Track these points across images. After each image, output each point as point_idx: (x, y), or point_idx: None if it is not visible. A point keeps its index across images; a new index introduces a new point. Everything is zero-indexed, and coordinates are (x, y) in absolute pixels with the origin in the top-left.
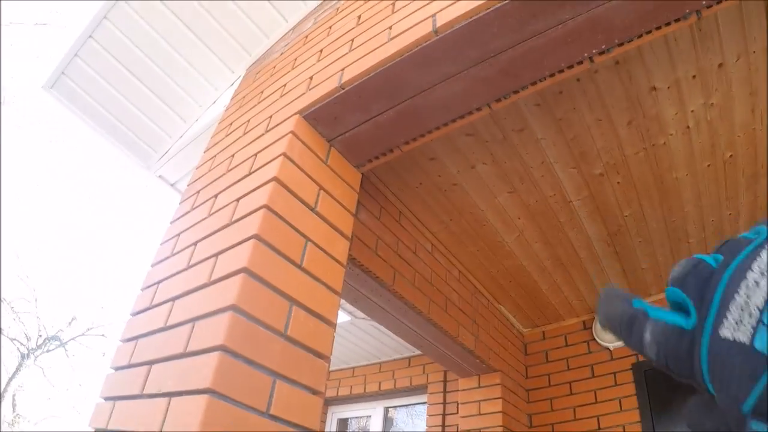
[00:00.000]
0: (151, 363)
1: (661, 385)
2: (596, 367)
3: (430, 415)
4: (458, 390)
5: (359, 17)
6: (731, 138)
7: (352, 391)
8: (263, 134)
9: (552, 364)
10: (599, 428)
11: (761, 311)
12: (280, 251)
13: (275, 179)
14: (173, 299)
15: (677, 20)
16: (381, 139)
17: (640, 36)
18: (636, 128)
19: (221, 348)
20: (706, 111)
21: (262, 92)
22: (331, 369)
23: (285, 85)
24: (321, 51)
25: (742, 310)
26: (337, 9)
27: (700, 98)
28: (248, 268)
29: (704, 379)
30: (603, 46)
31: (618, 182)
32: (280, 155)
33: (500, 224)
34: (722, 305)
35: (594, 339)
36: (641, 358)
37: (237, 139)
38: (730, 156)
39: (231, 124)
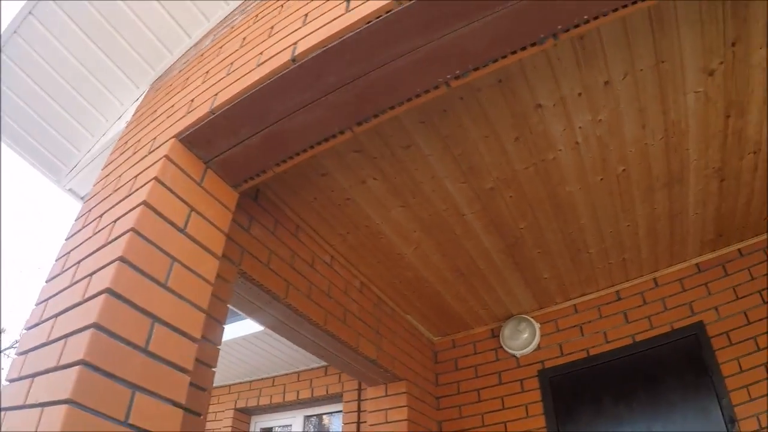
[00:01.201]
0: (34, 376)
1: (566, 391)
2: (503, 374)
3: (345, 423)
4: (366, 399)
5: (244, 39)
6: (623, 153)
7: (272, 401)
8: (146, 156)
9: (461, 371)
10: None
11: None
12: (144, 272)
13: (144, 203)
14: (56, 315)
15: (533, 44)
16: (252, 161)
17: (495, 60)
18: (524, 144)
19: (82, 362)
20: (594, 127)
21: (155, 111)
22: (251, 379)
23: (173, 106)
24: (207, 72)
25: None
26: (232, 27)
27: (588, 115)
28: (111, 289)
29: None
30: (457, 72)
31: (510, 196)
32: (152, 180)
33: (397, 237)
34: None
35: (502, 347)
36: (547, 365)
37: (127, 159)
38: (623, 170)
39: (126, 142)
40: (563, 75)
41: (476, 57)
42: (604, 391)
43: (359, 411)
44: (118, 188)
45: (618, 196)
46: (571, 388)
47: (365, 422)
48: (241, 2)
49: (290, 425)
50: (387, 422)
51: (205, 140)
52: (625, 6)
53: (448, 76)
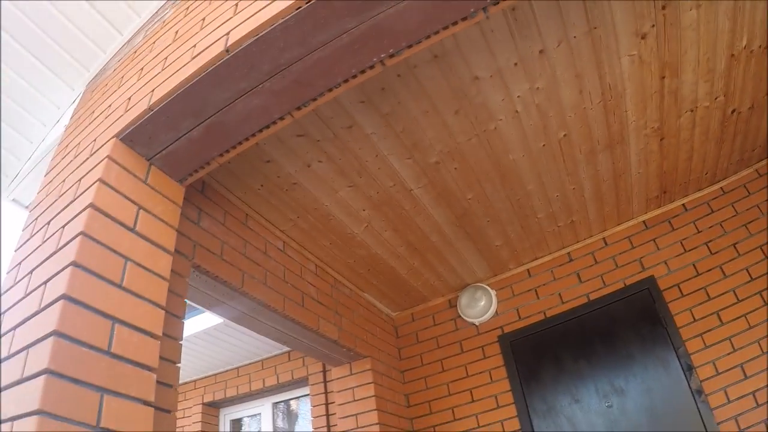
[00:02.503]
0: (1, 390)
1: (527, 353)
2: (464, 342)
3: (314, 406)
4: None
5: (176, 32)
6: (563, 118)
7: (239, 391)
8: (88, 158)
9: (423, 344)
10: (473, 400)
11: None
12: (99, 274)
13: (91, 206)
14: (14, 328)
15: (464, 19)
16: (195, 154)
17: (428, 37)
18: (464, 116)
19: (47, 371)
20: (532, 95)
21: (93, 112)
22: (216, 372)
23: (111, 105)
24: (142, 69)
25: None
26: (164, 22)
27: (525, 84)
28: (67, 294)
29: None
30: (391, 50)
31: (455, 168)
32: (96, 181)
33: (346, 217)
34: None
35: (460, 316)
36: (506, 330)
37: (69, 163)
38: (564, 135)
39: (67, 146)
40: (498, 46)
41: (409, 34)
42: (564, 350)
43: (326, 392)
44: (63, 193)
45: (561, 161)
46: (531, 350)
47: (333, 403)
48: None
49: (259, 414)
50: (355, 400)
51: (146, 137)
52: None
53: (383, 55)
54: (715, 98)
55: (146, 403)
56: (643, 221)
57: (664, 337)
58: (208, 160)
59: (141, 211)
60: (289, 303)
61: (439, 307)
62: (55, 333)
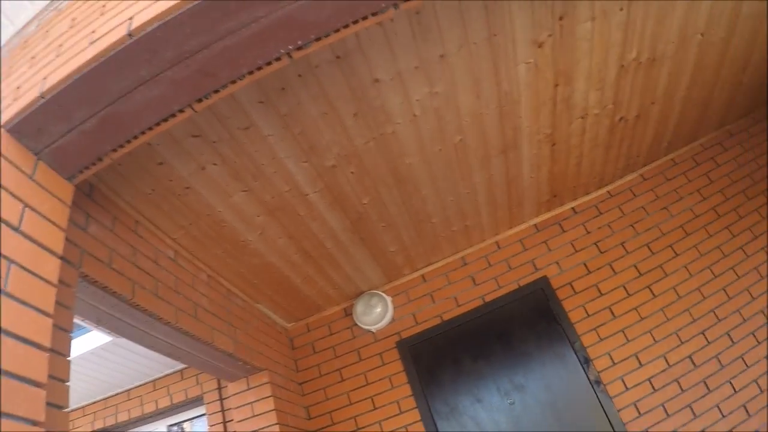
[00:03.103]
0: None
1: (426, 357)
2: (362, 350)
3: (211, 426)
4: (230, 396)
5: (73, 19)
6: (459, 123)
7: (131, 415)
8: None
9: (320, 354)
10: (375, 408)
11: None
12: None
13: None
14: None
15: (374, 14)
16: (87, 148)
17: (337, 30)
18: (363, 119)
19: None
20: (431, 99)
21: None
22: (105, 396)
23: None
24: (33, 57)
25: None
26: (59, 10)
27: (425, 87)
28: None
29: None
30: (299, 42)
31: (352, 172)
32: None
33: (240, 224)
34: None
35: (356, 324)
36: (404, 336)
37: None
38: (460, 140)
39: None
40: (400, 49)
41: (319, 27)
42: (463, 352)
43: (223, 410)
44: None
45: (456, 165)
46: (430, 353)
47: (232, 420)
48: None
49: None
50: (255, 416)
51: (35, 129)
52: None
53: (290, 47)
54: (605, 106)
55: (36, 423)
56: (535, 224)
57: (560, 333)
58: (100, 155)
59: (27, 209)
60: (181, 315)
61: (334, 316)
62: None
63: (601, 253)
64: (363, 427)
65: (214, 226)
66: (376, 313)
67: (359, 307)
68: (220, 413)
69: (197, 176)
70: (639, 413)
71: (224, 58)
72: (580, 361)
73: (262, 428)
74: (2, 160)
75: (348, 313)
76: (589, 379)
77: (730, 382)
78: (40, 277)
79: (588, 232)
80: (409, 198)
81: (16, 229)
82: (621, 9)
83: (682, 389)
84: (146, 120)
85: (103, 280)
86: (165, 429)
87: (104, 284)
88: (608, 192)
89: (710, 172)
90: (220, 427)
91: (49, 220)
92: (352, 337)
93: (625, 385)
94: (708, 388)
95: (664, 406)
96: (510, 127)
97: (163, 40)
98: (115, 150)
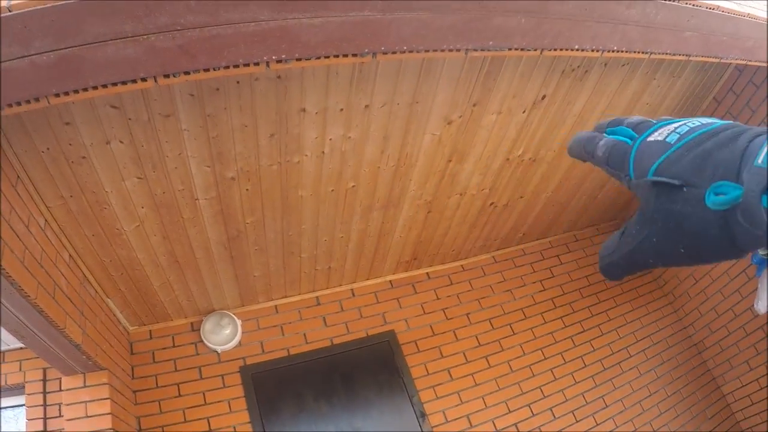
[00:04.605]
0: None
1: (269, 387)
2: (204, 369)
3: (29, 419)
4: (61, 390)
5: None
6: (358, 170)
7: None
8: None
9: (159, 364)
10: (210, 429)
11: (673, 127)
12: None
13: None
14: None
15: (355, 55)
16: (32, 82)
17: (318, 58)
18: (277, 142)
19: None
20: (342, 142)
21: None
22: None
23: None
24: None
25: (661, 132)
26: None
27: (341, 129)
28: None
29: (630, 168)
30: (283, 56)
31: (247, 189)
32: None
33: (122, 210)
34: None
35: (202, 341)
36: (249, 362)
37: None
38: (353, 186)
39: None
40: (335, 89)
41: (305, 48)
42: (306, 389)
43: (45, 404)
44: None
45: (342, 209)
46: (274, 384)
47: (54, 417)
48: None
49: None
50: (88, 416)
51: None
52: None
53: (274, 57)
54: (482, 189)
55: None
56: (390, 281)
57: (401, 386)
58: (41, 95)
59: None
60: (41, 291)
61: (180, 328)
62: None
63: (448, 319)
64: None
65: (95, 205)
66: (224, 335)
67: (208, 325)
68: (42, 407)
69: (99, 149)
70: None
71: (211, 44)
72: (416, 414)
73: (95, 431)
74: None
75: (195, 328)
76: None
77: None
78: None
79: (438, 298)
80: (289, 228)
81: None
82: (523, 111)
83: None
84: (106, 76)
85: None
86: None
87: None
88: (462, 266)
89: (553, 267)
90: (40, 423)
91: None
92: (196, 354)
93: None
94: None
95: None
96: (399, 186)
97: (162, 4)
98: (58, 95)
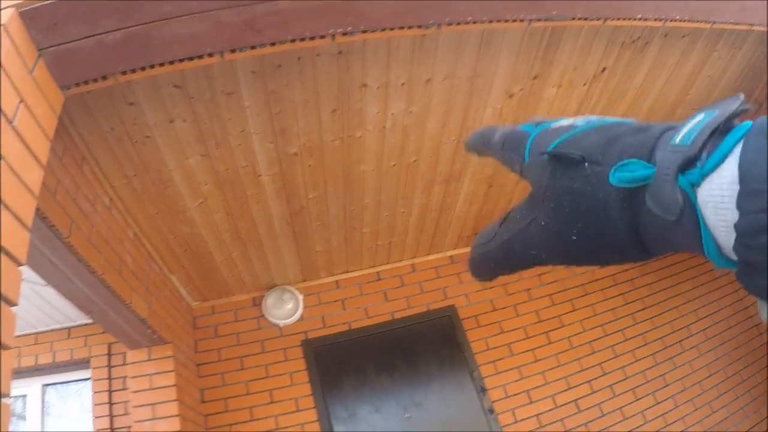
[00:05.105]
0: None
1: (331, 361)
2: (266, 342)
3: (95, 392)
4: (125, 364)
5: None
6: (420, 145)
7: None
8: None
9: (222, 338)
10: (272, 401)
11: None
12: None
13: None
14: None
15: (420, 27)
16: (99, 61)
17: (383, 30)
18: (339, 117)
19: None
20: (404, 116)
21: None
22: None
23: None
24: None
25: (569, 121)
26: None
27: (403, 104)
28: None
29: (525, 151)
30: (349, 28)
31: (309, 164)
32: None
33: (185, 188)
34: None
35: (264, 316)
36: (310, 336)
37: None
38: (415, 160)
39: None
40: (396, 63)
41: (371, 21)
42: (367, 362)
43: (110, 378)
44: None
45: (403, 184)
46: (335, 358)
47: (119, 390)
48: None
49: (25, 395)
50: (153, 388)
51: (51, 22)
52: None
53: (340, 30)
54: None
55: (4, 347)
56: (450, 256)
57: (461, 360)
58: (108, 73)
59: (22, 105)
60: (108, 268)
61: (242, 303)
62: None
63: (508, 294)
64: (258, 419)
65: (159, 183)
66: (286, 309)
67: (270, 300)
68: (107, 381)
69: (162, 128)
70: None
71: (278, 18)
72: (476, 389)
73: (160, 402)
74: (9, 41)
75: (257, 303)
76: (483, 406)
77: (608, 430)
78: (24, 184)
79: None
80: (351, 203)
81: (10, 122)
82: (584, 84)
83: (565, 428)
84: (173, 52)
85: (46, 209)
86: (40, 387)
87: (45, 214)
88: None
89: None
90: (105, 396)
91: (40, 126)
92: (258, 328)
93: (515, 417)
94: None
95: None
96: (460, 161)
97: None
98: (125, 73)
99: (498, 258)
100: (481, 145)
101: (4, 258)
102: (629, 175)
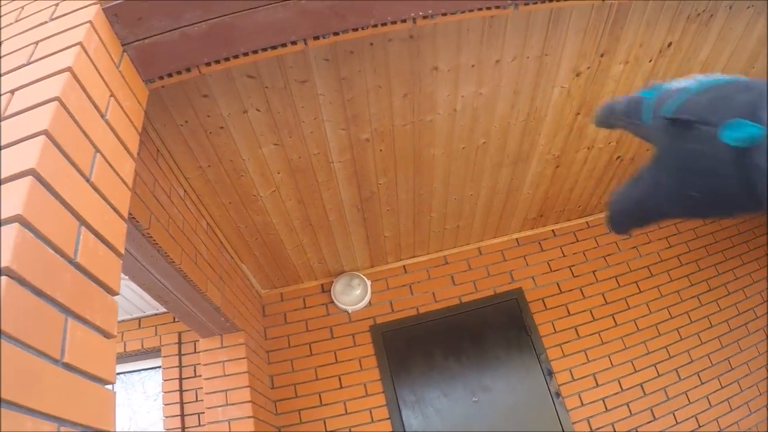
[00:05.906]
0: None
1: (399, 346)
2: (335, 328)
3: (166, 380)
4: (195, 352)
5: None
6: (488, 127)
7: None
8: (46, 22)
9: (291, 325)
10: (341, 386)
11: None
12: (70, 157)
13: (69, 70)
14: None
15: (498, 7)
16: (183, 53)
17: (463, 12)
18: (410, 101)
19: (7, 272)
20: (474, 99)
21: None
22: None
23: None
24: None
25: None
26: None
27: (473, 86)
28: (37, 171)
29: (643, 112)
30: (430, 11)
31: (381, 150)
32: (75, 44)
33: (258, 177)
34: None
35: (332, 302)
36: (379, 321)
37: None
38: (483, 142)
39: None
40: (466, 46)
41: (451, 3)
42: (435, 347)
43: (180, 366)
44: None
45: (472, 167)
46: (403, 342)
47: (189, 378)
48: None
49: None
50: (225, 375)
51: (136, 17)
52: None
53: (421, 13)
54: (609, 143)
55: (108, 336)
56: (516, 239)
57: (529, 344)
58: (192, 65)
59: (113, 99)
60: (185, 257)
61: (310, 290)
62: (18, 220)
63: (574, 277)
64: (327, 404)
65: (233, 173)
66: (355, 295)
67: (339, 286)
68: (177, 368)
69: (236, 118)
70: (591, 429)
71: (362, 3)
72: (543, 372)
73: (232, 388)
74: (97, 37)
75: (325, 289)
76: (550, 390)
77: (674, 414)
78: (119, 176)
79: (564, 255)
80: (420, 187)
81: (102, 116)
82: (650, 60)
83: (630, 413)
84: (257, 41)
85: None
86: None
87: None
88: (587, 222)
89: (679, 224)
90: (176, 384)
91: (129, 118)
92: (326, 314)
93: (581, 400)
94: (654, 415)
95: (613, 426)
96: (528, 141)
97: None
98: (209, 64)
99: (632, 213)
100: (610, 117)
101: (105, 250)
102: (739, 134)
